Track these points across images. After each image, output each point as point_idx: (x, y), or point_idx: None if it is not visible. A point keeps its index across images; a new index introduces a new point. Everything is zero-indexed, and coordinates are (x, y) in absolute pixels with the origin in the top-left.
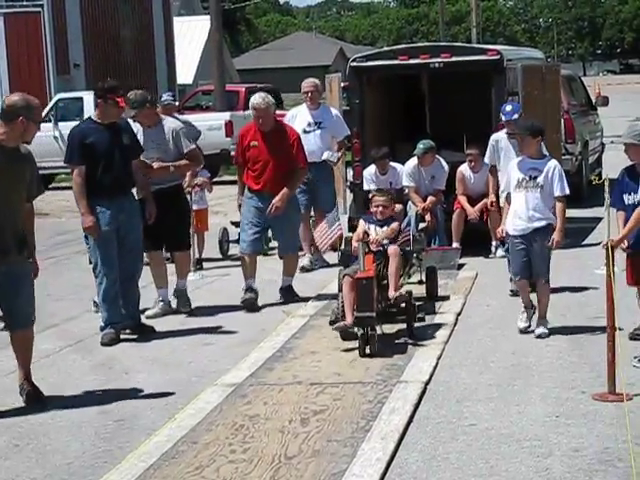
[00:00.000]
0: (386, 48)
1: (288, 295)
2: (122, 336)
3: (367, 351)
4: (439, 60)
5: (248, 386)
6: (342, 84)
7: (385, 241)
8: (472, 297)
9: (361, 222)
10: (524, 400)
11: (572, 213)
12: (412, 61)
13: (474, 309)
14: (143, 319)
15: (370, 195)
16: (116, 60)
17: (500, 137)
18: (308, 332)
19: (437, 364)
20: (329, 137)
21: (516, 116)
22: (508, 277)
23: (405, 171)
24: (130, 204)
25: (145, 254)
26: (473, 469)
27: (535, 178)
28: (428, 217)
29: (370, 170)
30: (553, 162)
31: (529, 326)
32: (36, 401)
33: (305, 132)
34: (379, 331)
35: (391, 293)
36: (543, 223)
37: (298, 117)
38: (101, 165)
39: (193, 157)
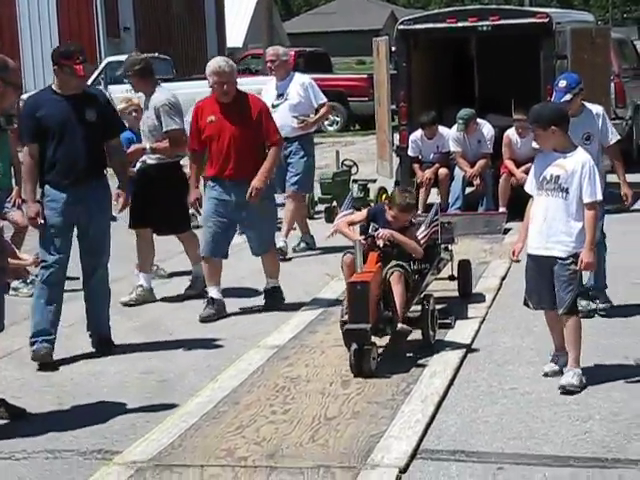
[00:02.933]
0: (435, 11)
1: (274, 300)
2: (164, 303)
3: (361, 370)
4: (487, 23)
5: (290, 348)
6: (393, 48)
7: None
8: None
9: (364, 211)
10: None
11: None
12: (460, 24)
13: (519, 274)
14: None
15: (386, 203)
16: (166, 23)
17: None
18: None
19: (479, 328)
20: (303, 106)
21: (568, 97)
22: None
23: (451, 137)
24: (93, 193)
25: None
26: (512, 432)
27: (557, 178)
28: (477, 181)
29: (417, 135)
30: (582, 156)
31: (559, 371)
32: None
33: (273, 106)
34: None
35: (399, 320)
36: (563, 252)
37: (268, 91)
38: (54, 144)
39: (172, 139)
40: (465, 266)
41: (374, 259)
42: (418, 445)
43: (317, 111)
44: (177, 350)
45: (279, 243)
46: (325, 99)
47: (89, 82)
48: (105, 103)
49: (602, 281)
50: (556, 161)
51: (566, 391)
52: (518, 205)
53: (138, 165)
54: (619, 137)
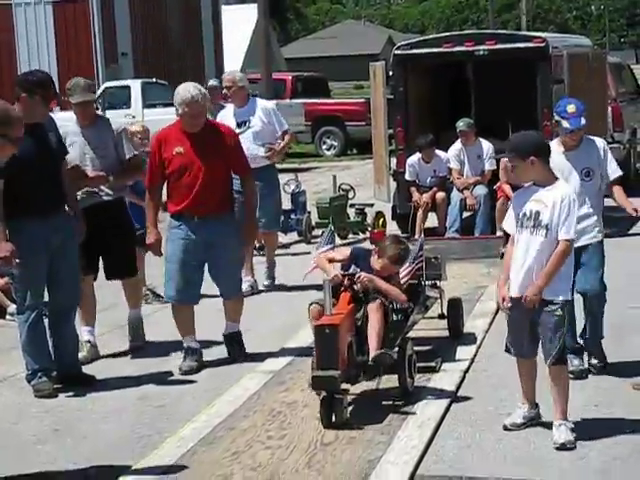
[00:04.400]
0: (431, 36)
1: (234, 346)
2: (161, 327)
3: (331, 420)
4: (484, 47)
5: (286, 373)
6: (390, 73)
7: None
8: None
9: (346, 251)
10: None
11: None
12: (457, 49)
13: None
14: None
15: (375, 250)
16: (163, 49)
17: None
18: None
19: (477, 353)
20: (265, 133)
21: (584, 121)
22: None
23: (450, 154)
24: (65, 222)
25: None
26: (509, 457)
27: (537, 214)
28: (468, 195)
29: (414, 159)
30: (563, 189)
31: (523, 424)
32: None
33: None
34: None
35: (372, 352)
36: (545, 295)
37: (225, 120)
38: (27, 176)
39: (136, 165)
40: (456, 305)
41: (346, 299)
42: (415, 470)
43: (283, 136)
44: (173, 375)
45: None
46: (287, 126)
47: None
48: (55, 126)
49: (598, 334)
50: (536, 195)
51: (566, 448)
52: None
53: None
54: (620, 173)
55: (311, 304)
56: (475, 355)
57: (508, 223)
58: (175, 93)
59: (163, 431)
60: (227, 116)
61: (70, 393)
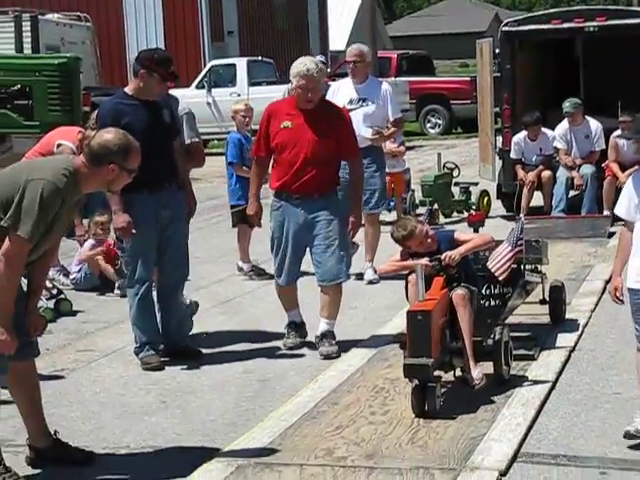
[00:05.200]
0: (539, 12)
1: (326, 347)
2: (265, 304)
3: (423, 410)
4: (594, 24)
5: (389, 350)
6: (497, 50)
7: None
8: None
9: (398, 255)
10: None
11: None
12: (565, 25)
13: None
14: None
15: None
16: (269, 27)
17: None
18: None
19: (583, 332)
20: (377, 116)
21: None
22: None
23: (557, 133)
24: (175, 197)
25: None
26: (615, 437)
27: None
28: (576, 174)
29: (520, 136)
30: None
31: None
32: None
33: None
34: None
35: (474, 373)
36: None
37: (340, 92)
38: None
39: (196, 152)
40: (557, 290)
41: (439, 285)
42: (519, 448)
43: (395, 124)
44: (278, 350)
45: (368, 272)
46: (401, 114)
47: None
48: (170, 105)
49: None
50: None
51: None
52: None
53: None
54: None
55: (410, 273)
56: (581, 334)
57: (622, 207)
58: (292, 67)
59: (266, 405)
60: (345, 88)
61: (177, 366)
